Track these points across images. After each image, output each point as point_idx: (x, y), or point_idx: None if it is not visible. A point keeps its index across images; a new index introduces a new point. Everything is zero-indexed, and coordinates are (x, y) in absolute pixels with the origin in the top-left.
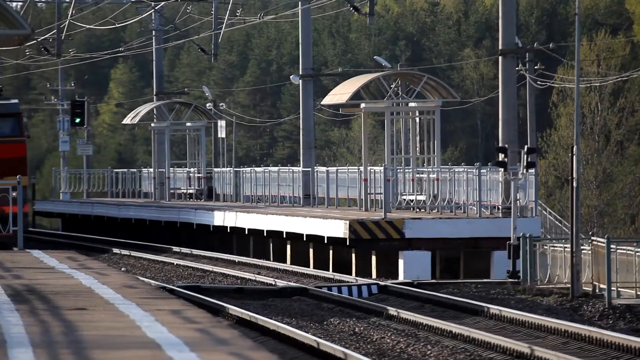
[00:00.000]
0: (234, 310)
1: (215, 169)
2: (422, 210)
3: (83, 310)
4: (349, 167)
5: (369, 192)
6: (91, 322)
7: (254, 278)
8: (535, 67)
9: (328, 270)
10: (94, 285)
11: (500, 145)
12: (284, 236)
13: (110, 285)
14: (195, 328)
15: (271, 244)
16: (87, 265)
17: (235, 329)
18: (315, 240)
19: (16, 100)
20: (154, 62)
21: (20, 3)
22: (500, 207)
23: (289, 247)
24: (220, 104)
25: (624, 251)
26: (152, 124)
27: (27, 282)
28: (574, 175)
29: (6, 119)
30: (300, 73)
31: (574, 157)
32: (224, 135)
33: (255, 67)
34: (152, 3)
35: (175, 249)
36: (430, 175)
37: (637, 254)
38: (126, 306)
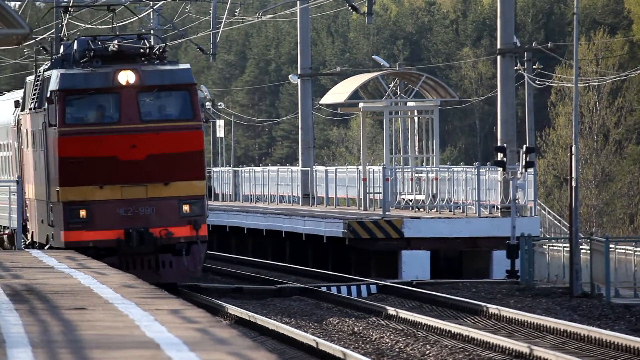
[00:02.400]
0: (233, 309)
1: (214, 169)
2: (421, 209)
3: (82, 310)
4: (347, 167)
5: (367, 191)
6: (90, 321)
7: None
8: (534, 67)
9: (327, 270)
10: (93, 285)
11: (498, 144)
12: (283, 236)
13: (110, 285)
14: (195, 328)
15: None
16: (86, 264)
17: (235, 329)
18: (314, 239)
19: (188, 65)
20: None
21: (19, 2)
22: (499, 206)
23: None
24: (219, 104)
25: (623, 251)
26: None
27: (26, 281)
28: (573, 174)
29: (172, 94)
30: (299, 72)
31: (573, 156)
32: (222, 135)
33: (253, 67)
34: (151, 2)
35: None
36: (429, 175)
37: (636, 253)
38: (125, 306)
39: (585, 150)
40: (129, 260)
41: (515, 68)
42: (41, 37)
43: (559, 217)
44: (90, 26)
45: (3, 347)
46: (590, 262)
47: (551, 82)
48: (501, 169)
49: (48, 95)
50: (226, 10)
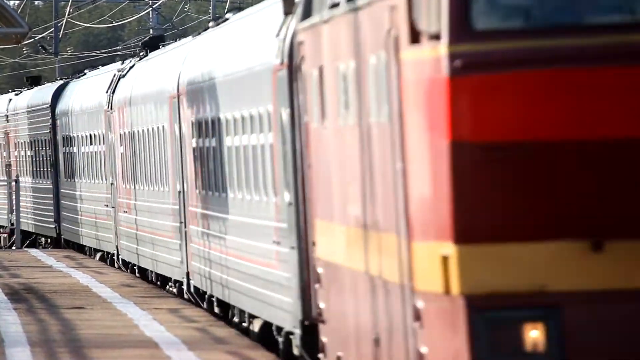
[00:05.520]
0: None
1: None
2: None
3: (81, 309)
4: None
5: None
6: (89, 320)
7: None
8: None
9: None
10: (91, 284)
11: None
12: None
13: (108, 284)
14: (193, 327)
15: None
16: (85, 264)
17: (233, 328)
18: None
19: None
20: None
21: (18, 1)
22: None
23: None
24: None
25: None
26: None
27: (25, 280)
28: None
29: None
30: None
31: None
32: None
33: None
34: (150, 1)
35: None
36: None
37: None
38: (124, 305)
39: None
40: None
41: None
42: (40, 36)
43: None
44: (90, 25)
45: (2, 346)
46: None
47: None
48: None
49: None
50: (225, 10)
